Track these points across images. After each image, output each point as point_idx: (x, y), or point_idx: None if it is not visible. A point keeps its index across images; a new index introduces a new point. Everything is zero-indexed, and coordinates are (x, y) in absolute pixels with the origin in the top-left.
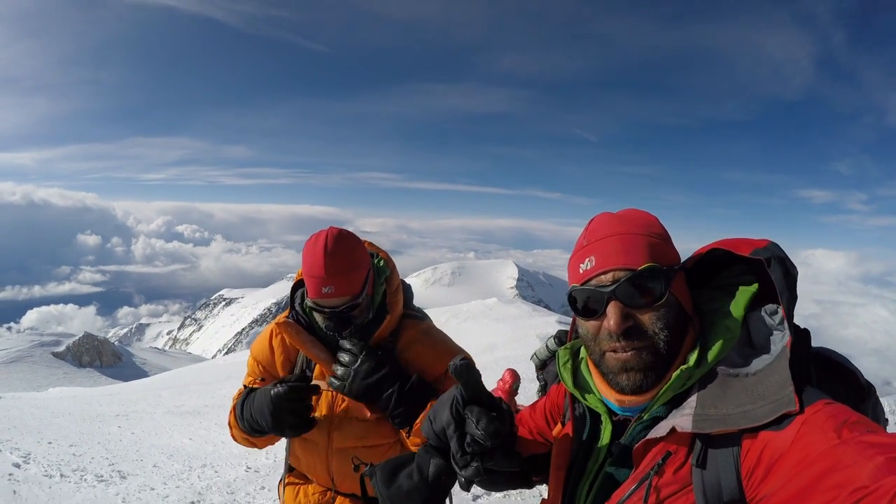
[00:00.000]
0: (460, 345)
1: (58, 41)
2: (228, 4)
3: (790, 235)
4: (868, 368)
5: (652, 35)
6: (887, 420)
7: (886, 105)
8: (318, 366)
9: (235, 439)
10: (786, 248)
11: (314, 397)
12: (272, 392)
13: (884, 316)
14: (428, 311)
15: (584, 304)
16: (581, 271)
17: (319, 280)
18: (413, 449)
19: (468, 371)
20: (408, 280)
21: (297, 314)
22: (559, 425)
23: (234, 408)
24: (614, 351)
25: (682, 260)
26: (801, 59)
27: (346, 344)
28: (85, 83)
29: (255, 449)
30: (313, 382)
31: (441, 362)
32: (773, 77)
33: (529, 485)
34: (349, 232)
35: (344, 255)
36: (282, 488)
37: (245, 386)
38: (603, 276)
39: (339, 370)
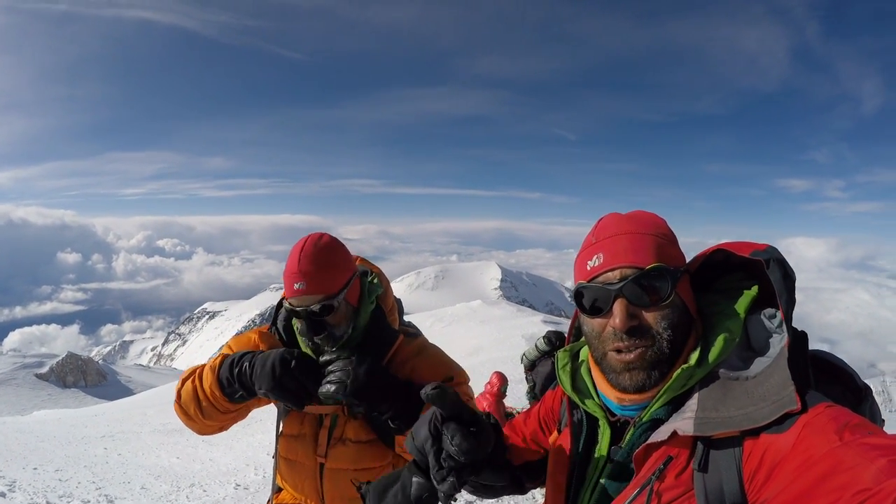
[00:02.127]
0: (446, 350)
1: (32, 58)
2: (204, 15)
3: (770, 225)
4: (853, 352)
5: (627, 33)
6: (884, 420)
7: (861, 94)
8: None
9: (180, 403)
10: (766, 237)
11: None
12: (283, 352)
13: (866, 300)
14: (413, 317)
15: (590, 301)
16: (588, 268)
17: (292, 276)
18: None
19: (440, 397)
20: (391, 285)
21: (277, 330)
22: (555, 432)
23: (210, 367)
24: (618, 350)
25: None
26: (777, 52)
27: (329, 356)
28: (61, 100)
29: (199, 434)
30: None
31: (438, 375)
32: (749, 70)
33: (523, 490)
34: (335, 238)
35: (319, 253)
36: None
37: (225, 355)
38: (610, 274)
39: (337, 374)
